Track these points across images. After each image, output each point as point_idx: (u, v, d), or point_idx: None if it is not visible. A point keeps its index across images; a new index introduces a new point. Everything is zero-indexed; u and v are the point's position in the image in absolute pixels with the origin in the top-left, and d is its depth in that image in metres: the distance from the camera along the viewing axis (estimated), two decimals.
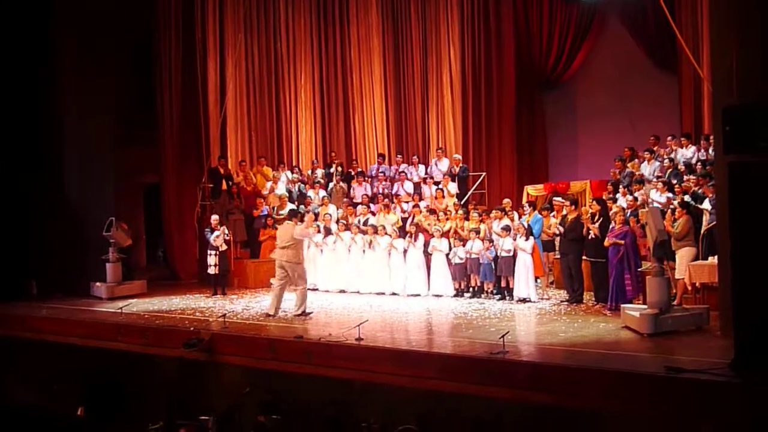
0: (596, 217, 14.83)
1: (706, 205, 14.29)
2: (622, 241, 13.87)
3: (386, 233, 17.58)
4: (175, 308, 16.51)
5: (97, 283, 18.44)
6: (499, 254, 15.95)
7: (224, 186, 20.89)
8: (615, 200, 15.86)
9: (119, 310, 15.71)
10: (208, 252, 18.16)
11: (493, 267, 16.05)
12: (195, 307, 16.44)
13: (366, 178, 21.69)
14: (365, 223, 18.33)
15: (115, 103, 20.13)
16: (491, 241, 16.18)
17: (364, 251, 17.80)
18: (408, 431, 5.47)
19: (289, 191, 21.09)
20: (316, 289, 18.36)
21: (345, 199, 20.79)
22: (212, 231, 18.13)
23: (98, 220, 18.44)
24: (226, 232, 18.37)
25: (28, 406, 14.68)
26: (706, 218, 14.21)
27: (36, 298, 17.71)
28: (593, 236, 14.57)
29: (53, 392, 14.55)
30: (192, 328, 13.87)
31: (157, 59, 21.64)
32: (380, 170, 22.06)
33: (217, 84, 22.24)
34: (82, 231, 18.97)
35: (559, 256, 15.96)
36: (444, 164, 21.66)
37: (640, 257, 14.22)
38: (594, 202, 15.48)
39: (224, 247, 18.16)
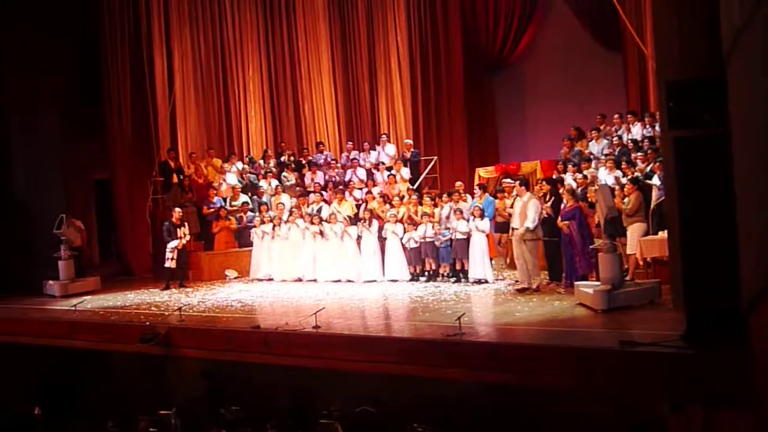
0: (548, 197, 14.96)
1: (655, 180, 14.47)
2: (567, 222, 14.00)
3: (339, 221, 17.59)
4: (130, 303, 16.38)
5: (50, 282, 18.22)
6: (453, 237, 16.02)
7: (175, 179, 20.75)
8: (562, 180, 15.95)
9: (73, 308, 15.58)
10: (168, 247, 18.04)
11: (449, 250, 16.14)
12: (150, 302, 16.31)
13: (319, 167, 21.66)
14: (319, 212, 18.33)
15: (62, 98, 19.89)
16: (440, 224, 16.29)
17: (315, 239, 17.79)
18: (365, 412, 5.54)
19: (242, 182, 21.01)
20: (272, 279, 18.37)
21: (297, 188, 20.77)
22: (174, 226, 17.99)
23: (50, 218, 18.21)
24: (187, 232, 18.24)
25: None
26: (655, 194, 14.38)
27: None
28: (545, 215, 14.69)
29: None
30: (148, 323, 13.76)
31: (103, 53, 21.35)
32: (328, 159, 22.05)
33: (164, 77, 22.03)
34: (33, 229, 18.76)
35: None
36: (390, 149, 21.71)
37: (591, 233, 14.36)
38: (544, 182, 15.59)
39: (183, 242, 18.07)
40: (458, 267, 16.10)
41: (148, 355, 13.43)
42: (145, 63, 21.60)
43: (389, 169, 20.45)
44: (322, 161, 22.05)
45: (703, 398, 8.66)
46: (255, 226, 18.96)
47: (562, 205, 14.39)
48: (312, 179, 21.02)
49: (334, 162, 21.83)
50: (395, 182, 19.59)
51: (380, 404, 11.11)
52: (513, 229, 14.72)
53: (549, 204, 14.75)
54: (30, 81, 18.94)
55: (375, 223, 17.29)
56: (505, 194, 16.30)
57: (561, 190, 14.98)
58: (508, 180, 16.86)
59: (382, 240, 17.17)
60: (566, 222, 14.02)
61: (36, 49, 18.96)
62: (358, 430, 5.28)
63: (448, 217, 16.42)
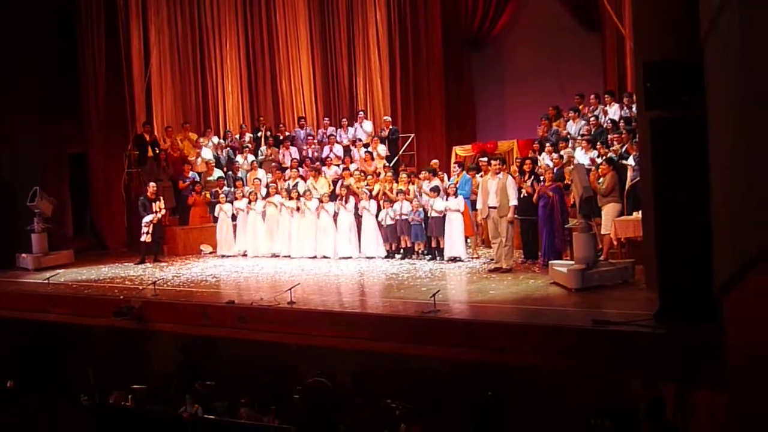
0: (526, 175, 14.99)
1: (630, 161, 14.53)
2: (551, 193, 14.09)
3: (314, 197, 17.55)
4: (104, 277, 16.32)
5: (23, 255, 18.12)
6: (429, 215, 16.03)
7: (151, 153, 20.61)
8: (535, 161, 15.95)
9: (46, 281, 15.48)
10: (143, 221, 17.92)
11: (424, 227, 16.16)
12: (125, 276, 16.25)
13: (295, 142, 21.58)
14: (294, 187, 18.28)
15: (38, 72, 19.69)
16: (419, 201, 16.31)
17: (292, 215, 17.75)
18: (317, 383, 5.54)
19: (217, 157, 20.91)
20: (246, 255, 18.33)
21: (273, 164, 20.69)
22: (148, 200, 17.88)
23: (23, 191, 18.09)
24: (162, 206, 18.11)
25: None
26: (630, 174, 14.45)
27: None
28: (524, 194, 14.71)
29: None
30: (122, 297, 13.72)
31: (79, 26, 21.18)
32: (308, 134, 21.97)
33: (141, 50, 21.83)
34: (6, 202, 18.59)
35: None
36: (368, 126, 21.66)
37: (568, 213, 14.43)
38: (529, 161, 15.57)
39: (158, 217, 17.96)
40: (434, 245, 16.13)
41: (123, 329, 13.37)
42: (121, 36, 21.43)
43: (366, 146, 20.42)
44: (302, 137, 21.95)
45: (676, 377, 8.74)
46: (220, 202, 18.82)
47: (539, 185, 14.45)
48: (284, 154, 20.92)
49: (311, 138, 21.74)
50: (372, 159, 19.56)
51: (361, 382, 11.14)
52: (490, 208, 14.63)
53: (529, 183, 14.78)
54: (5, 56, 18.70)
55: (351, 199, 17.28)
56: (482, 173, 16.30)
57: (538, 170, 15.04)
58: (485, 158, 16.85)
59: (358, 217, 17.18)
60: (549, 192, 14.10)
61: (11, 24, 18.70)
62: (312, 402, 5.31)
63: (421, 195, 16.45)
